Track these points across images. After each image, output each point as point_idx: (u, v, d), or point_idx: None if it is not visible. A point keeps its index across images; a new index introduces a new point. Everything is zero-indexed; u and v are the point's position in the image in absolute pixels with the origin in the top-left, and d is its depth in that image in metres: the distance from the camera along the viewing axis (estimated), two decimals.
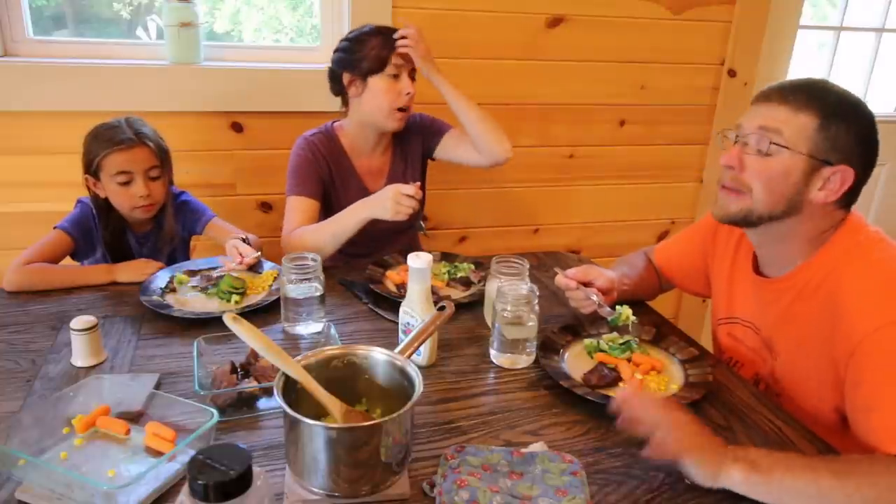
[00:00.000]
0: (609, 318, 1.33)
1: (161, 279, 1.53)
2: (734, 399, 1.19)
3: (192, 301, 1.47)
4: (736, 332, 1.37)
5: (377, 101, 1.72)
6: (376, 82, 1.70)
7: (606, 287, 1.39)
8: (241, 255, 1.57)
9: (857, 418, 1.06)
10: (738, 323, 1.36)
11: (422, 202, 1.77)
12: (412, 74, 1.73)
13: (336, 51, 1.77)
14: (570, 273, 1.38)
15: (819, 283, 1.16)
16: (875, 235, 1.17)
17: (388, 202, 1.53)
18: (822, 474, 0.91)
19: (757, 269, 1.30)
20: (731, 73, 2.41)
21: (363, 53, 1.70)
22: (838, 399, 1.12)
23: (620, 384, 1.21)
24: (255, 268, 1.63)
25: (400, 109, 1.72)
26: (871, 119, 1.14)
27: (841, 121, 1.11)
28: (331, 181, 1.81)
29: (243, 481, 0.69)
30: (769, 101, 1.17)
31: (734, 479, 0.91)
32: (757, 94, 1.22)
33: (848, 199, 1.16)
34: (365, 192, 1.74)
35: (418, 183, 1.54)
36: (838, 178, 1.12)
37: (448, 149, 1.88)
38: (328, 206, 1.80)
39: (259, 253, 1.62)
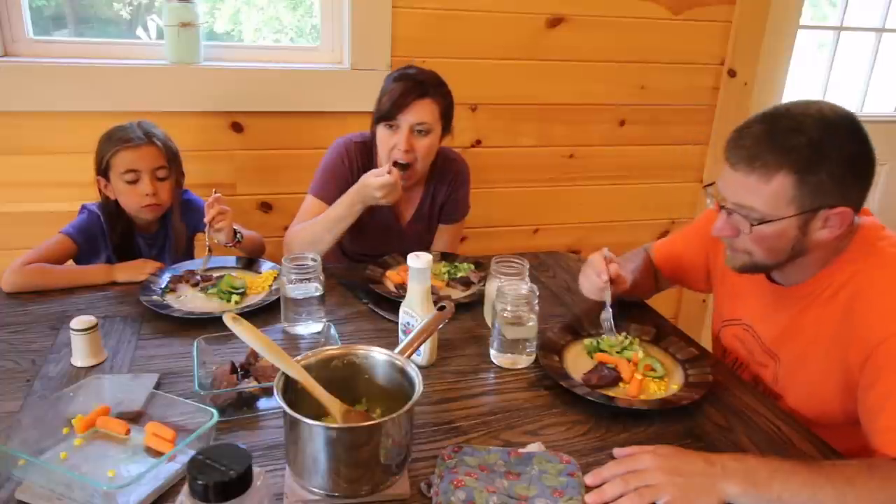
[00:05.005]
0: (605, 334, 1.32)
1: (162, 279, 1.53)
2: (734, 399, 1.19)
3: (192, 301, 1.47)
4: (740, 333, 1.35)
5: (379, 148, 1.69)
6: (379, 129, 1.66)
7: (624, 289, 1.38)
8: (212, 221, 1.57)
9: (866, 420, 1.05)
10: (740, 325, 1.35)
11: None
12: (418, 127, 1.62)
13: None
14: (612, 270, 1.33)
15: (837, 289, 1.14)
16: (894, 238, 1.14)
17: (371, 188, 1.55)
18: (822, 488, 0.90)
19: (768, 275, 1.27)
20: (731, 73, 2.41)
21: (380, 96, 1.65)
22: (848, 402, 1.11)
23: (620, 384, 1.21)
24: (254, 267, 1.63)
25: (396, 162, 1.63)
26: (856, 135, 1.07)
27: (820, 165, 1.05)
28: None
29: (243, 481, 0.69)
30: (737, 169, 1.10)
31: (731, 493, 0.91)
32: (726, 148, 1.13)
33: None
34: (389, 213, 1.74)
35: (389, 167, 1.55)
36: (837, 217, 1.08)
37: (440, 230, 1.89)
38: None
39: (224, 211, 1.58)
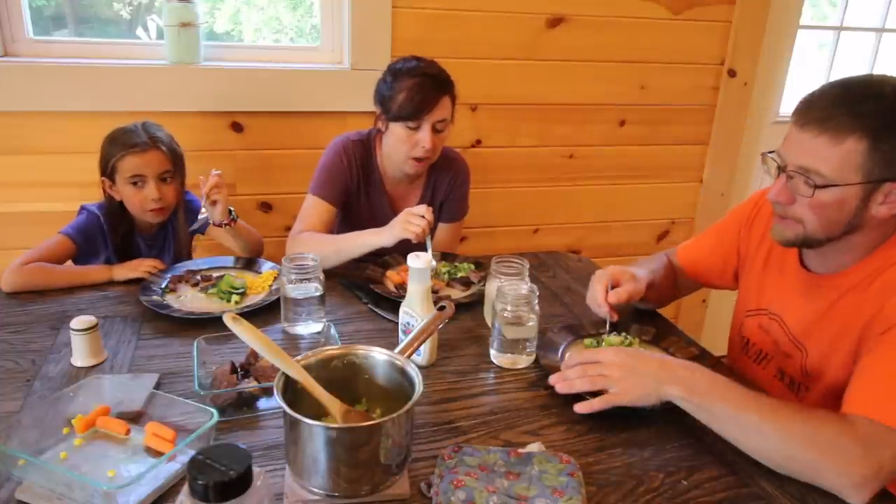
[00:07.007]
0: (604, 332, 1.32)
1: (162, 280, 1.53)
2: None
3: (192, 301, 1.47)
4: (765, 323, 1.32)
5: (395, 146, 1.69)
6: (396, 127, 1.66)
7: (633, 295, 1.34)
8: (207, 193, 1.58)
9: (850, 379, 1.05)
10: (767, 314, 1.32)
11: (433, 229, 1.76)
12: (438, 126, 1.65)
13: (381, 77, 1.71)
14: (611, 298, 1.30)
15: (874, 278, 1.11)
16: None
17: (398, 223, 1.53)
18: (746, 410, 0.99)
19: (803, 263, 1.23)
20: (731, 73, 2.41)
21: (392, 94, 1.64)
22: None
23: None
24: (254, 267, 1.63)
25: (417, 158, 1.68)
26: None
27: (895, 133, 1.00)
28: (356, 191, 1.79)
29: (243, 481, 0.69)
30: (806, 130, 1.04)
31: (672, 395, 1.04)
32: (796, 112, 1.08)
33: None
34: (389, 211, 1.74)
35: (430, 207, 1.53)
36: None
37: (439, 229, 1.88)
38: (350, 213, 1.79)
39: (217, 175, 1.59)
